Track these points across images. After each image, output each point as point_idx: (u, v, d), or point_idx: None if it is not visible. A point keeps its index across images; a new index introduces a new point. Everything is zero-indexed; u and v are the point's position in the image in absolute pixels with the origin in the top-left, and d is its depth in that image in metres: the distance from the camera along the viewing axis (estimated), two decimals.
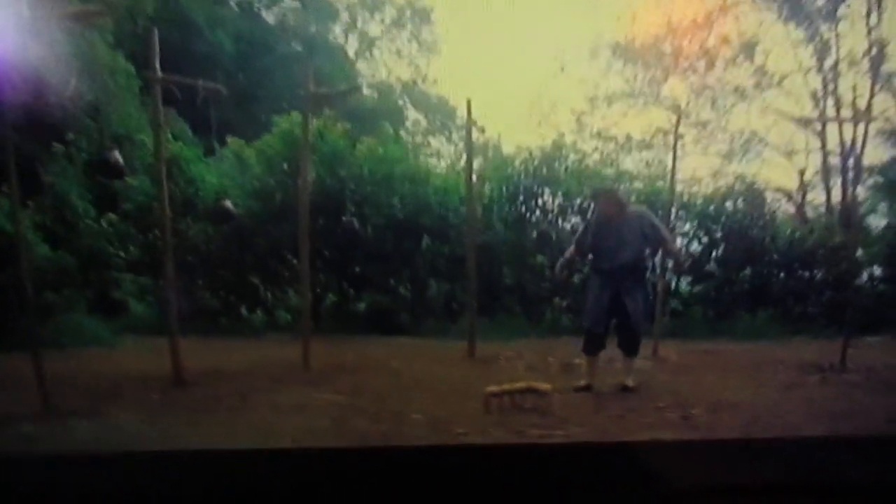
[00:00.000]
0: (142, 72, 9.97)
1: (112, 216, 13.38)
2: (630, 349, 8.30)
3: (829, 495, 2.98)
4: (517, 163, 15.70)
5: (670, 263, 11.73)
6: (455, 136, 34.41)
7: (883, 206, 15.83)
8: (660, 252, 10.41)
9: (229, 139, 14.74)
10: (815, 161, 17.65)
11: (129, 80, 14.72)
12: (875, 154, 16.45)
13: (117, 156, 12.45)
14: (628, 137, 19.28)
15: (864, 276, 14.36)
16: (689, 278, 15.17)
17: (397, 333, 13.28)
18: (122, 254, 13.37)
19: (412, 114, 36.29)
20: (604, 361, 8.59)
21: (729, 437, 5.93)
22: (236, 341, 12.21)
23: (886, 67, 16.75)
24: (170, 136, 13.45)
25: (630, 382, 8.09)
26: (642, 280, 8.54)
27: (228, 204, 12.73)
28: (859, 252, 13.74)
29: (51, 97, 11.71)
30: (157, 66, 8.45)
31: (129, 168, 13.12)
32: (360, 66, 35.17)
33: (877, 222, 15.46)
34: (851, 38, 17.34)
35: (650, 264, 9.39)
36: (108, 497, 3.04)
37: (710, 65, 18.41)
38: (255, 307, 14.68)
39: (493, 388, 6.99)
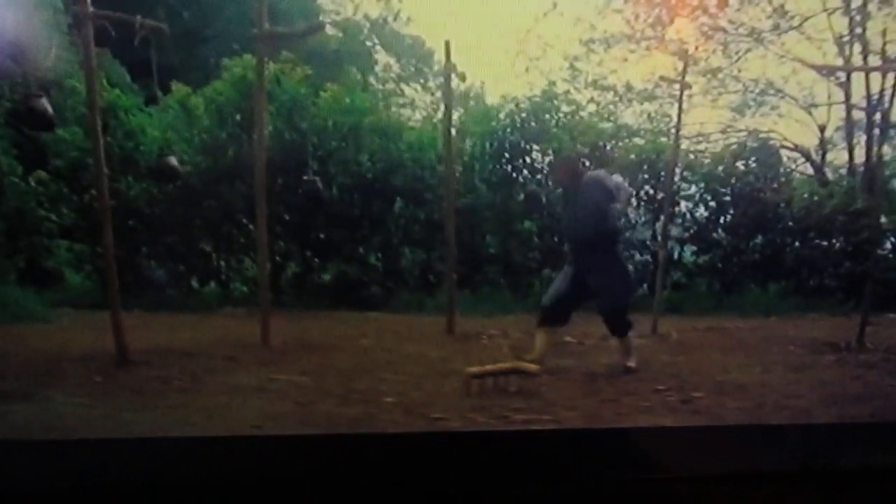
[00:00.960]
0: (71, 7, 9.84)
1: (41, 174, 13.33)
2: (614, 329, 8.46)
3: (840, 484, 3.10)
4: (502, 115, 15.75)
5: (672, 231, 11.81)
6: (432, 84, 34.23)
7: None
8: (661, 219, 10.50)
9: (173, 86, 14.63)
10: (837, 116, 17.70)
11: (55, 16, 14.63)
12: None
13: (45, 104, 12.33)
14: (628, 87, 19.14)
15: (888, 245, 14.46)
16: (694, 248, 15.27)
17: (367, 308, 13.33)
18: (54, 217, 13.30)
19: (382, 57, 36.03)
20: (597, 339, 8.71)
21: (733, 422, 6.06)
22: (187, 316, 12.25)
23: None
24: (105, 81, 13.36)
25: (630, 363, 8.26)
26: (610, 253, 8.55)
27: (173, 160, 12.66)
28: (882, 219, 13.82)
29: None
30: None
31: (58, 118, 13.03)
32: (323, 1, 34.98)
33: None
34: None
35: (620, 235, 9.40)
36: (45, 487, 3.15)
37: (723, 3, 18.34)
38: (208, 278, 14.72)
39: (474, 369, 7.13)
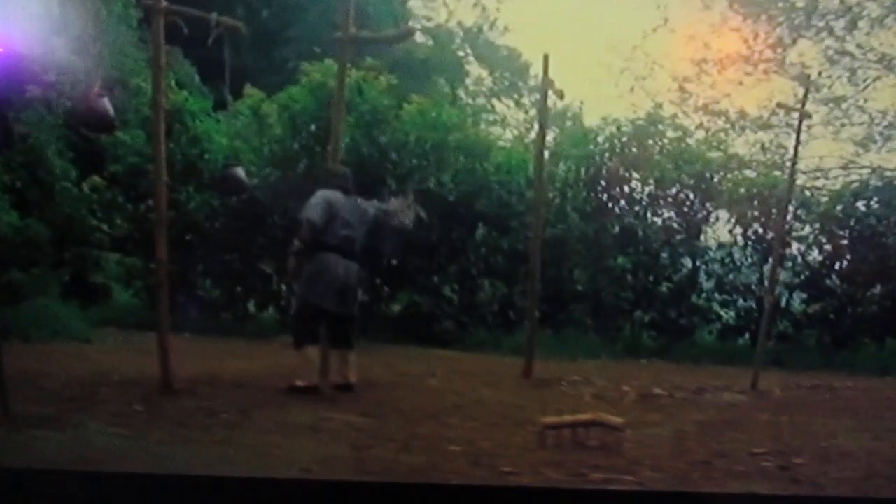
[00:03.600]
0: (142, 0, 9.84)
1: (96, 179, 13.46)
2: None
3: None
4: (601, 138, 15.76)
5: (781, 275, 11.67)
6: (526, 100, 34.38)
7: None
8: (769, 261, 10.42)
9: (246, 90, 14.74)
10: None
11: (125, 9, 14.80)
12: None
13: (107, 104, 12.37)
14: (742, 113, 19.05)
15: None
16: (804, 295, 15.04)
17: (438, 344, 13.36)
18: (106, 227, 13.49)
19: (474, 69, 36.31)
20: (689, 391, 8.60)
21: (837, 494, 5.95)
22: (240, 343, 12.34)
23: None
24: (173, 82, 13.51)
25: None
26: None
27: (239, 171, 12.65)
28: None
29: (25, 27, 11.80)
30: None
31: (120, 120, 13.12)
32: (414, 4, 35.25)
33: None
34: None
35: None
36: None
37: (852, 25, 18.13)
38: (266, 302, 14.85)
39: (551, 419, 7.03)
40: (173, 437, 6.55)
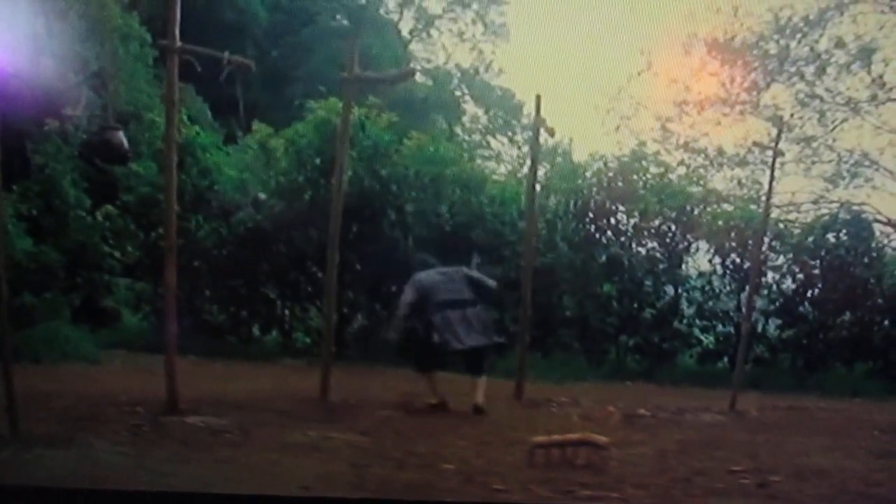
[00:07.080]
0: (158, 40, 9.80)
1: (109, 208, 13.37)
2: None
3: None
4: (589, 173, 15.78)
5: (757, 302, 11.73)
6: (519, 138, 34.52)
7: None
8: (746, 289, 10.49)
9: (255, 125, 14.72)
10: None
11: (142, 48, 14.76)
12: None
13: (121, 136, 12.34)
14: (720, 151, 19.18)
15: None
16: (779, 321, 15.05)
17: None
18: (117, 254, 13.37)
19: (471, 108, 36.43)
20: (671, 412, 8.52)
21: None
22: (244, 365, 12.27)
23: None
24: (185, 117, 13.45)
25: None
26: None
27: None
28: None
29: (47, 64, 11.75)
30: (177, 33, 8.25)
31: (133, 152, 13.08)
32: (415, 47, 35.47)
33: None
34: None
35: None
36: None
37: (821, 71, 18.31)
38: (270, 326, 14.78)
39: (540, 439, 6.95)
40: (177, 455, 6.45)
